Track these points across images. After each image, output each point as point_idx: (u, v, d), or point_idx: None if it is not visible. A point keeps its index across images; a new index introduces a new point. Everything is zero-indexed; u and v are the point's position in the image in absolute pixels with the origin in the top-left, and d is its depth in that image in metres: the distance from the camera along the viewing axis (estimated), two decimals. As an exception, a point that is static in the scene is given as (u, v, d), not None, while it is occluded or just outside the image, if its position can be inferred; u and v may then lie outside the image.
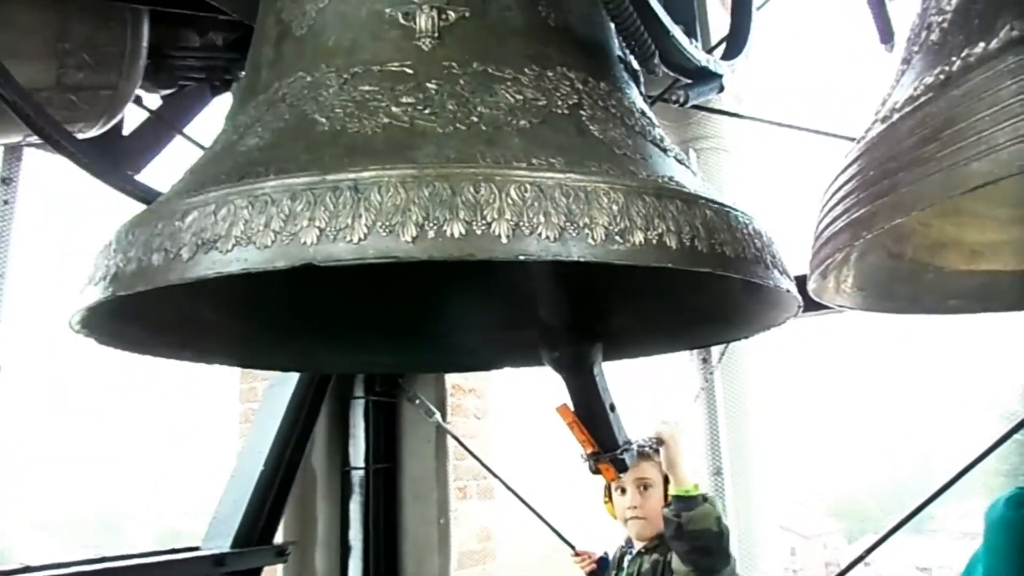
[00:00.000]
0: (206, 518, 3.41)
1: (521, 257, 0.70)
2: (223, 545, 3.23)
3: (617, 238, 0.75)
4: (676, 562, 2.41)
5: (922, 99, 0.66)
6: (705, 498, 2.38)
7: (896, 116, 0.69)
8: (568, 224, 0.72)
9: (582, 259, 0.73)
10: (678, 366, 3.25)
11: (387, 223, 0.69)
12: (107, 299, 0.82)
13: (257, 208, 0.72)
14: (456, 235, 0.69)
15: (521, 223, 0.71)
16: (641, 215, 0.78)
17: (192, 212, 0.75)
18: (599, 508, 2.97)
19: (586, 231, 0.73)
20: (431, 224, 0.69)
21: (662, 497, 2.52)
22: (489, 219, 0.70)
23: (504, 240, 0.70)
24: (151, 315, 1.08)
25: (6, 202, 2.88)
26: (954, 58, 0.64)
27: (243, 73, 1.17)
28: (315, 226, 0.69)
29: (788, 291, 0.99)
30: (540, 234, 0.71)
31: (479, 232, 0.69)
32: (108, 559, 2.87)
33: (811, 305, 1.19)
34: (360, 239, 0.68)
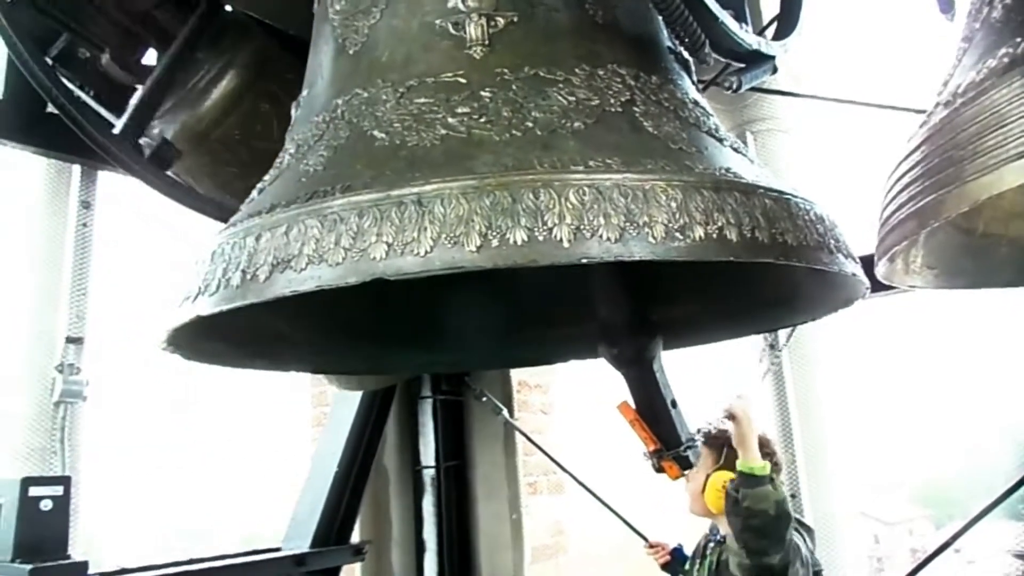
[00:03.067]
0: (285, 521, 3.51)
1: (584, 260, 0.71)
2: (303, 545, 3.32)
3: (677, 235, 0.75)
4: (729, 538, 2.38)
5: (985, 84, 0.64)
6: (771, 479, 2.34)
7: (959, 101, 0.68)
8: (628, 224, 0.73)
9: (643, 258, 0.74)
10: (745, 353, 3.21)
11: (451, 234, 0.71)
12: (191, 321, 0.86)
13: (327, 227, 0.75)
14: (519, 242, 0.71)
15: (582, 226, 0.72)
16: (700, 210, 0.79)
17: (265, 233, 0.79)
18: (671, 500, 2.95)
19: (646, 230, 0.74)
20: (494, 233, 0.71)
21: (705, 479, 2.48)
22: (550, 224, 0.72)
23: (566, 244, 0.71)
24: (230, 330, 1.13)
25: (85, 224, 3.01)
26: (1019, 39, 0.62)
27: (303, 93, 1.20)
28: (383, 241, 0.72)
29: (854, 275, 0.98)
30: (601, 236, 0.72)
31: (541, 238, 0.71)
32: (197, 560, 2.99)
33: (880, 285, 1.16)
34: (427, 252, 0.71)
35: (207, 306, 0.81)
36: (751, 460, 2.34)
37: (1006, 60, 0.62)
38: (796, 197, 0.94)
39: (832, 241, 0.95)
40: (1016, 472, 2.81)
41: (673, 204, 0.77)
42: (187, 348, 1.01)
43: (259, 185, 1.01)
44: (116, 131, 1.83)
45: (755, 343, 3.32)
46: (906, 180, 0.74)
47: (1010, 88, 0.60)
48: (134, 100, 1.89)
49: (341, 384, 3.24)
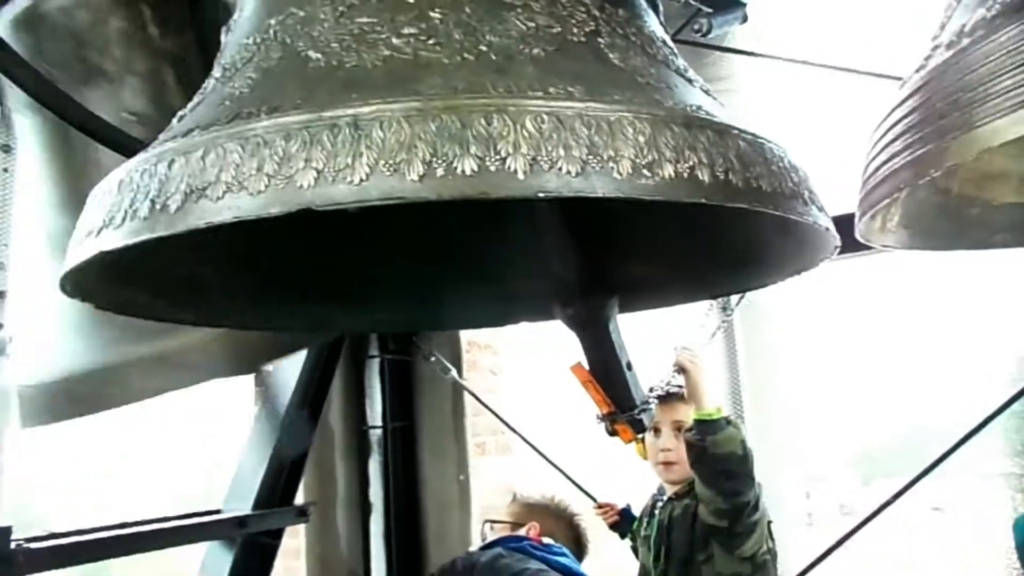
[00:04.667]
0: (226, 481, 3.41)
1: (540, 194, 0.64)
2: (245, 507, 3.24)
3: (645, 172, 0.68)
4: (699, 487, 2.38)
5: (998, 21, 0.58)
6: (728, 421, 2.34)
7: (965, 41, 0.61)
8: (591, 157, 0.66)
9: (607, 195, 0.66)
10: (695, 317, 3.18)
11: (391, 161, 0.62)
12: (96, 258, 0.76)
13: (248, 151, 0.65)
14: (468, 172, 0.62)
15: (539, 157, 0.64)
16: (670, 147, 0.71)
17: (179, 159, 0.69)
18: (618, 460, 2.95)
19: (611, 164, 0.66)
20: (440, 161, 0.62)
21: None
22: (503, 154, 0.63)
23: (521, 176, 0.63)
24: (147, 276, 1.03)
25: (6, 170, 2.83)
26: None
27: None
28: (312, 167, 0.63)
29: (827, 229, 0.92)
30: (560, 169, 0.64)
31: (493, 168, 0.63)
32: (133, 524, 2.88)
33: (848, 247, 1.12)
34: (362, 180, 0.62)
35: (111, 240, 0.71)
36: (704, 407, 2.35)
37: (1019, -6, 0.56)
38: (770, 142, 0.87)
39: (806, 192, 0.89)
40: (941, 434, 2.88)
41: (641, 138, 0.69)
42: (97, 294, 0.91)
43: (179, 112, 0.90)
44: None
45: (704, 305, 3.30)
46: (900, 128, 0.67)
47: (1025, 25, 0.53)
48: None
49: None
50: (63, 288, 0.88)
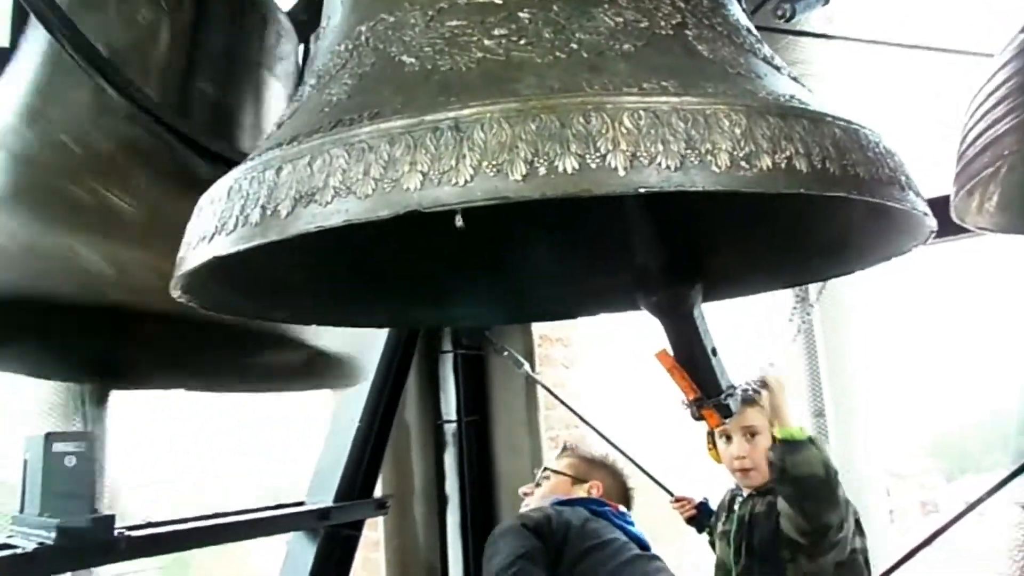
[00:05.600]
0: (308, 476, 3.52)
1: (641, 190, 0.64)
2: (326, 499, 3.33)
3: (743, 164, 0.68)
4: (782, 503, 2.35)
5: None
6: (812, 441, 2.30)
7: None
8: (689, 151, 0.66)
9: (706, 189, 0.66)
10: (774, 304, 3.13)
11: (494, 162, 0.64)
12: (207, 263, 0.80)
13: (354, 156, 0.68)
14: (569, 170, 0.63)
15: (638, 153, 0.64)
16: (766, 137, 0.71)
17: (287, 166, 0.72)
18: (694, 454, 2.92)
19: (709, 158, 0.66)
20: (541, 160, 0.63)
21: (769, 444, 2.44)
22: (603, 151, 0.64)
23: (621, 173, 0.64)
24: (246, 278, 1.07)
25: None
26: None
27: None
28: (417, 170, 0.65)
29: (925, 214, 0.90)
30: (660, 164, 0.65)
31: (594, 166, 0.63)
32: (222, 514, 3.00)
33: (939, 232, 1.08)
34: (467, 181, 0.64)
35: (225, 245, 0.75)
36: (787, 427, 2.30)
37: None
38: (864, 128, 0.85)
39: (903, 177, 0.87)
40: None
41: (737, 130, 0.69)
42: (202, 295, 0.95)
43: (276, 120, 0.94)
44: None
45: (784, 296, 3.24)
46: (1001, 94, 0.65)
47: None
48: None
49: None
50: (173, 291, 0.93)
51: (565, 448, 2.97)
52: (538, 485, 2.79)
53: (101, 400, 1.78)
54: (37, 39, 1.73)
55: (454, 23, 0.84)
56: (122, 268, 1.39)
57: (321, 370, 1.85)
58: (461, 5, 0.86)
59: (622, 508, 2.62)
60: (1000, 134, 0.65)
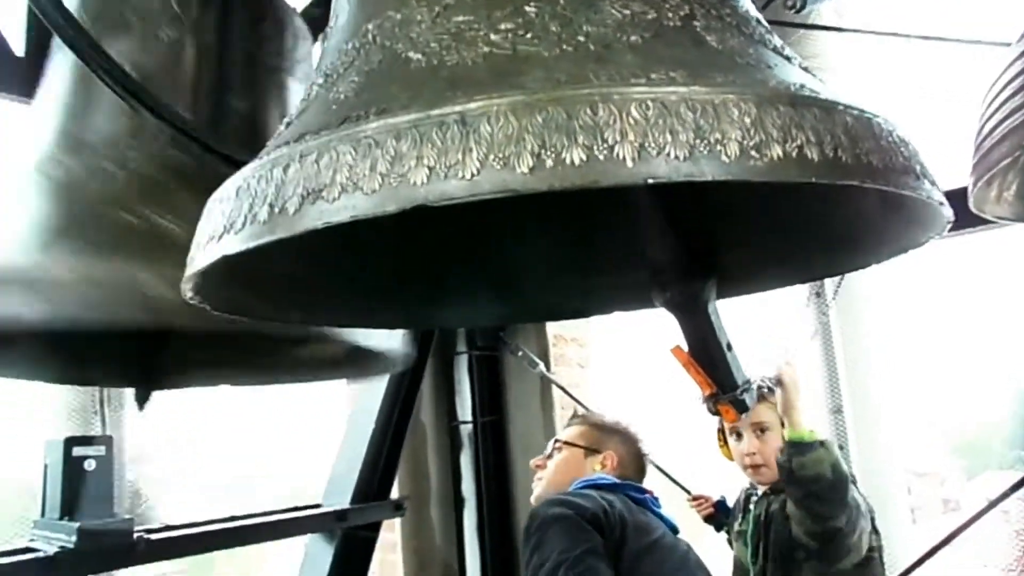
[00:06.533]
0: (325, 477, 3.53)
1: (650, 180, 0.63)
2: (343, 501, 3.34)
3: (753, 153, 0.67)
4: (790, 505, 2.33)
5: None
6: (822, 443, 2.27)
7: None
8: (698, 141, 0.65)
9: (716, 178, 0.65)
10: (790, 301, 3.11)
11: (501, 155, 0.63)
12: (217, 263, 0.80)
13: (361, 152, 0.68)
14: (577, 162, 0.63)
15: (646, 144, 0.64)
16: (777, 126, 0.70)
17: (294, 163, 0.72)
18: (710, 452, 2.90)
19: (719, 148, 0.65)
20: (548, 152, 0.63)
21: (780, 440, 2.42)
22: (611, 142, 0.63)
23: (630, 164, 0.63)
24: (259, 279, 1.07)
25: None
26: None
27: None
28: (424, 165, 0.65)
29: (941, 203, 0.89)
30: (668, 154, 0.64)
31: (601, 157, 0.63)
32: (240, 517, 3.02)
33: (958, 223, 1.07)
34: (473, 174, 0.63)
35: (234, 244, 0.75)
36: (798, 427, 2.29)
37: None
38: (878, 117, 0.84)
39: (918, 165, 0.86)
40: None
41: (747, 119, 0.68)
42: (215, 297, 0.96)
43: (285, 119, 0.94)
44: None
45: (800, 293, 3.22)
46: (1018, 83, 0.64)
47: None
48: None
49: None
50: (184, 292, 0.93)
51: (575, 416, 2.82)
52: (549, 457, 2.66)
53: (144, 400, 1.80)
54: (65, 58, 1.75)
55: (460, 18, 0.84)
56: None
57: (364, 359, 1.86)
58: (467, 1, 0.86)
59: (652, 491, 2.46)
60: (1017, 124, 0.64)
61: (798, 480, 2.23)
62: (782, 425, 2.41)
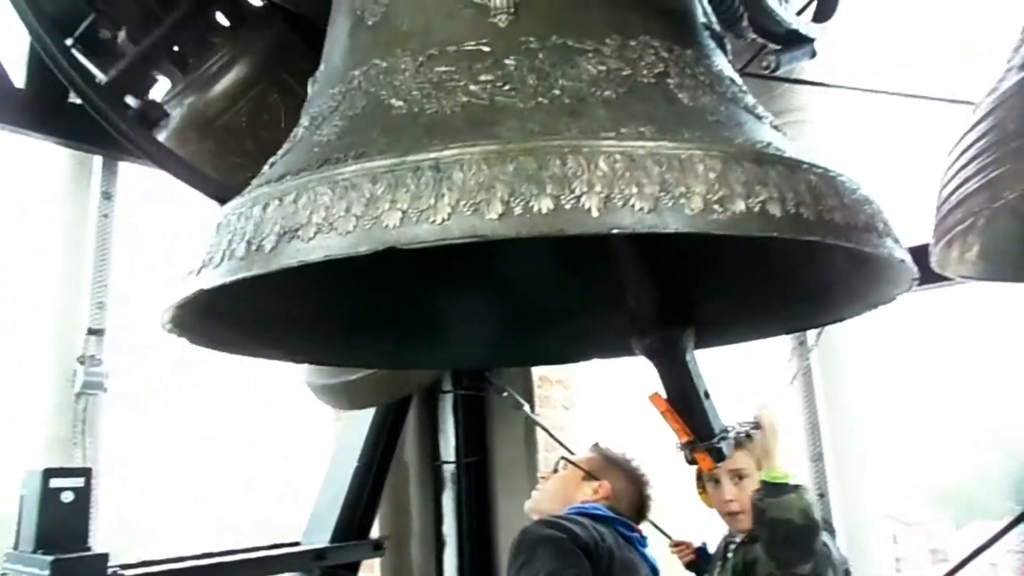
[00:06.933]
0: (306, 515, 3.49)
1: (614, 231, 0.66)
2: (323, 540, 3.30)
3: (716, 207, 0.69)
4: (759, 548, 2.31)
5: None
6: (795, 487, 2.27)
7: None
8: (663, 194, 0.68)
9: (679, 231, 0.68)
10: (773, 350, 3.13)
11: (471, 201, 0.66)
12: (195, 296, 0.82)
13: (338, 194, 0.70)
14: (544, 211, 0.65)
15: (612, 195, 0.66)
16: (741, 182, 0.73)
17: (273, 202, 0.74)
18: (693, 498, 2.89)
19: (682, 200, 0.68)
20: (517, 200, 0.65)
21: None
22: (578, 192, 0.66)
23: (595, 213, 0.66)
24: (239, 314, 1.09)
25: (106, 215, 3.01)
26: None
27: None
28: (397, 208, 0.67)
29: (903, 261, 0.91)
30: (633, 206, 0.67)
31: (568, 206, 0.65)
32: (217, 554, 2.98)
33: (925, 279, 1.09)
34: (444, 219, 0.66)
35: (212, 279, 0.76)
36: (774, 470, 2.28)
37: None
38: (842, 176, 0.87)
39: (880, 224, 0.89)
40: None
41: (712, 175, 0.71)
42: (193, 330, 0.97)
43: (271, 159, 0.97)
44: (102, 82, 1.81)
45: (783, 341, 3.24)
46: (973, 152, 0.67)
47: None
48: (128, 59, 1.87)
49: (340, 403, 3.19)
50: (163, 324, 0.95)
51: (596, 444, 2.93)
52: (555, 471, 2.73)
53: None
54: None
55: (442, 69, 0.87)
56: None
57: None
58: (450, 52, 0.90)
59: (642, 530, 2.52)
60: (971, 192, 0.67)
61: (767, 522, 2.22)
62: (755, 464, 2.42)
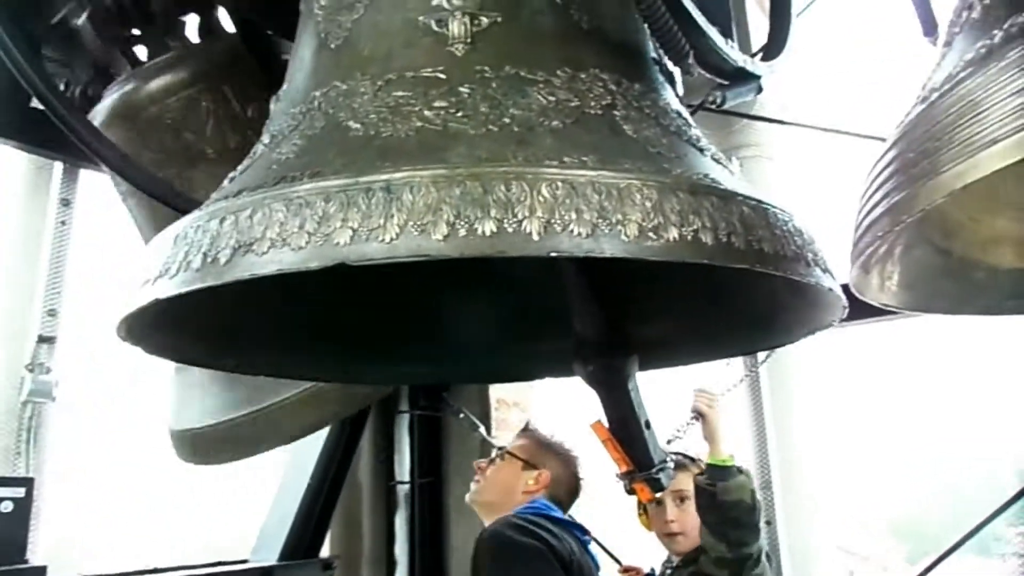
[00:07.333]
0: (255, 532, 3.45)
1: (553, 254, 0.70)
2: (271, 558, 3.27)
3: (651, 235, 0.74)
4: (706, 536, 2.35)
5: (961, 75, 0.64)
6: (740, 470, 2.33)
7: (935, 95, 0.67)
8: (600, 221, 0.72)
9: (614, 256, 0.72)
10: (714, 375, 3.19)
11: (419, 222, 0.69)
12: (150, 305, 0.84)
13: (292, 211, 0.73)
14: (487, 233, 0.69)
15: (553, 220, 0.71)
16: (675, 211, 0.77)
17: (229, 217, 0.77)
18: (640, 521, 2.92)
19: (619, 228, 0.73)
20: (462, 222, 0.69)
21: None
22: (520, 216, 0.70)
23: (536, 237, 0.70)
24: (193, 324, 1.10)
25: (64, 223, 2.98)
26: (995, 31, 0.61)
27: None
28: (348, 227, 0.70)
29: (831, 290, 0.97)
30: (572, 231, 0.71)
31: (510, 230, 0.70)
32: (161, 570, 2.93)
33: (862, 312, 1.15)
34: (392, 238, 0.69)
35: (166, 289, 0.79)
36: (719, 453, 2.34)
37: (983, 51, 0.62)
38: (774, 207, 0.93)
39: (810, 254, 0.94)
40: (992, 507, 2.81)
41: (648, 204, 0.76)
42: (147, 340, 0.99)
43: (231, 174, 0.99)
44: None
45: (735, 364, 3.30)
46: (882, 178, 0.73)
47: (986, 76, 0.59)
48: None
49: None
50: (118, 333, 0.96)
51: (527, 427, 2.96)
52: (492, 462, 2.78)
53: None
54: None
55: (400, 94, 0.91)
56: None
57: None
58: (408, 78, 0.94)
59: (589, 531, 2.62)
60: (877, 217, 0.72)
61: (719, 505, 2.26)
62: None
